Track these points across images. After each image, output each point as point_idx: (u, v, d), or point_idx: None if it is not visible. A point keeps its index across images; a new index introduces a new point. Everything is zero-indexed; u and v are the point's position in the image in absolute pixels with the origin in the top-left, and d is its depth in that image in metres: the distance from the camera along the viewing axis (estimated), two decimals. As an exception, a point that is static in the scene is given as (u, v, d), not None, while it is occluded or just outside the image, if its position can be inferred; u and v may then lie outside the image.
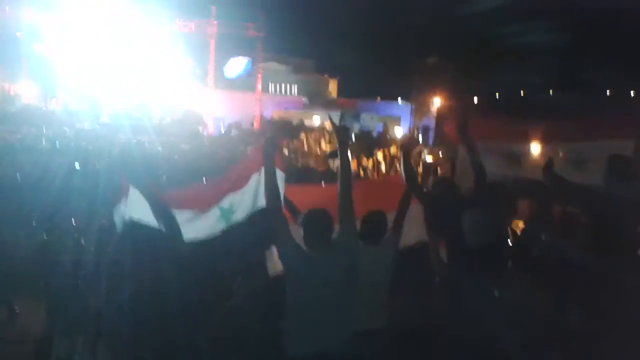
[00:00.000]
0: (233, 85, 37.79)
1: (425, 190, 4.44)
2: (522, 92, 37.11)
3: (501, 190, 4.39)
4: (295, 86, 44.55)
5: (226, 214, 4.26)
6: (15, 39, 30.04)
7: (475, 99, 39.76)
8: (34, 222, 6.98)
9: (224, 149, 19.20)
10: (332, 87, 47.15)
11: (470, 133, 4.19)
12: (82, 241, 5.43)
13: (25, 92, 31.66)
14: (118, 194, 4.18)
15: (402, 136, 20.97)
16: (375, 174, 20.12)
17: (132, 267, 4.07)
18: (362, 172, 19.47)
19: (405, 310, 4.26)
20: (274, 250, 3.83)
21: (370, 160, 22.59)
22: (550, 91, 36.66)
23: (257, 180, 4.19)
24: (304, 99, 42.59)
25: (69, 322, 4.24)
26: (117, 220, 4.21)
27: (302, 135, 29.10)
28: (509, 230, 4.62)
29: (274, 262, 4.19)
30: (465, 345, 3.54)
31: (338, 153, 3.76)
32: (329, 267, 3.45)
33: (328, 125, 30.32)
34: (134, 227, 4.10)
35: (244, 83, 37.23)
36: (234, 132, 29.04)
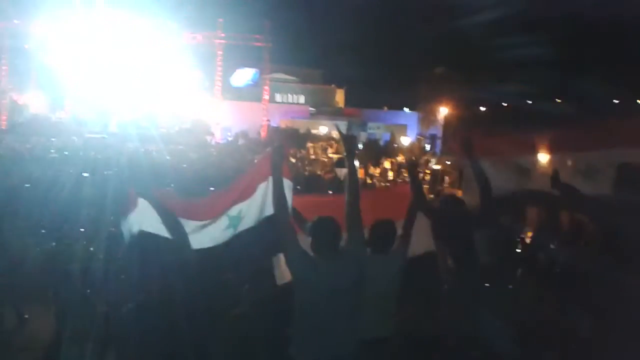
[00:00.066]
0: (240, 95, 37.98)
1: (432, 207, 4.43)
2: (528, 101, 37.04)
3: (509, 207, 4.38)
4: (302, 96, 44.68)
5: (234, 222, 4.28)
6: (24, 51, 30.36)
7: (482, 108, 39.76)
8: (43, 231, 7.02)
9: (231, 158, 19.27)
10: (339, 96, 47.26)
11: (475, 150, 4.21)
12: (91, 249, 5.45)
13: (34, 102, 31.97)
14: (126, 203, 4.21)
15: (408, 155, 20.84)
16: (383, 182, 20.13)
17: (140, 276, 4.09)
18: (369, 180, 19.49)
19: (413, 319, 4.25)
20: (282, 258, 3.84)
21: (378, 169, 22.60)
22: (557, 100, 36.60)
23: (265, 189, 4.21)
24: (311, 109, 42.71)
25: (77, 329, 4.25)
26: (126, 229, 4.23)
27: (309, 145, 29.19)
28: (518, 242, 4.60)
29: (282, 270, 4.20)
30: (472, 354, 3.53)
31: (345, 162, 3.78)
32: (336, 275, 3.45)
33: (335, 134, 30.44)
34: (142, 236, 4.12)
35: (251, 93, 37.39)
36: (241, 142, 29.14)
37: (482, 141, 4.58)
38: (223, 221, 4.27)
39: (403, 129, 39.49)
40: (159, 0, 29.85)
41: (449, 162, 22.69)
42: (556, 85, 36.82)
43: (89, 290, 4.67)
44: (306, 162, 22.70)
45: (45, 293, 5.24)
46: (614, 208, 3.69)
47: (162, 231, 4.06)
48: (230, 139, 31.89)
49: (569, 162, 4.88)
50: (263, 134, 32.95)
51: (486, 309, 3.68)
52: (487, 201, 3.98)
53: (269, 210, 4.09)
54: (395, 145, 33.27)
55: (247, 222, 4.28)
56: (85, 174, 10.05)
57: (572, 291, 3.60)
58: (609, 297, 3.26)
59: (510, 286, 3.97)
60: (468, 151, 4.19)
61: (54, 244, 5.92)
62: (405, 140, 34.91)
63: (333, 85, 46.91)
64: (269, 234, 4.02)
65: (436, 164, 23.39)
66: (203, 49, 33.53)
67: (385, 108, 44.22)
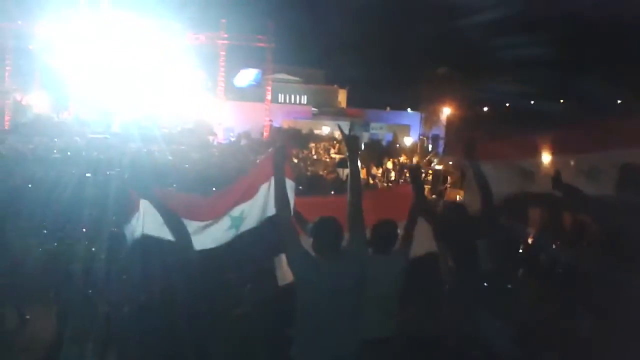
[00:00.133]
0: (243, 95, 38.04)
1: (434, 213, 4.41)
2: (531, 101, 36.99)
3: (511, 210, 4.36)
4: (305, 96, 44.70)
5: (236, 222, 4.28)
6: (27, 51, 30.45)
7: (485, 109, 39.70)
8: (45, 231, 7.03)
9: (233, 158, 19.29)
10: (342, 97, 47.28)
11: (477, 153, 4.21)
12: (93, 250, 5.46)
13: (37, 102, 32.06)
14: (128, 203, 4.21)
15: (411, 157, 20.80)
16: (385, 182, 20.12)
17: (143, 276, 4.09)
18: (371, 181, 19.49)
19: (415, 319, 4.24)
20: (284, 258, 3.84)
21: (380, 169, 22.61)
22: (559, 101, 36.54)
23: (267, 190, 4.21)
24: (313, 109, 42.74)
25: (79, 329, 4.25)
26: (128, 229, 4.24)
27: (311, 145, 29.21)
28: (520, 244, 4.58)
29: (283, 270, 4.20)
30: (473, 355, 3.52)
31: (348, 162, 3.78)
32: (338, 275, 3.45)
33: (337, 134, 30.46)
34: (144, 236, 4.13)
35: (254, 94, 37.47)
36: (243, 142, 29.19)
37: (485, 144, 4.58)
38: (225, 222, 4.27)
39: (406, 129, 39.50)
40: (162, 1, 29.91)
41: (451, 162, 22.67)
42: (559, 85, 36.79)
43: (91, 291, 4.66)
44: (308, 163, 22.72)
45: (47, 293, 5.24)
46: (616, 208, 3.68)
47: (164, 231, 4.06)
48: (232, 139, 31.96)
49: (572, 163, 4.85)
50: (265, 134, 33.00)
51: (487, 310, 3.68)
52: (488, 205, 3.98)
53: (271, 210, 4.08)
54: (398, 146, 33.28)
55: (249, 223, 4.29)
56: (88, 175, 10.08)
57: (574, 292, 3.59)
58: (612, 298, 3.25)
59: (512, 287, 3.96)
60: (470, 155, 4.19)
61: (56, 244, 5.93)
62: (408, 141, 34.92)
63: (335, 86, 46.94)
64: (271, 234, 4.02)
65: (438, 164, 23.38)
66: (206, 49, 33.61)
67: (388, 108, 44.23)
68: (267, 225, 4.19)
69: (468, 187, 4.74)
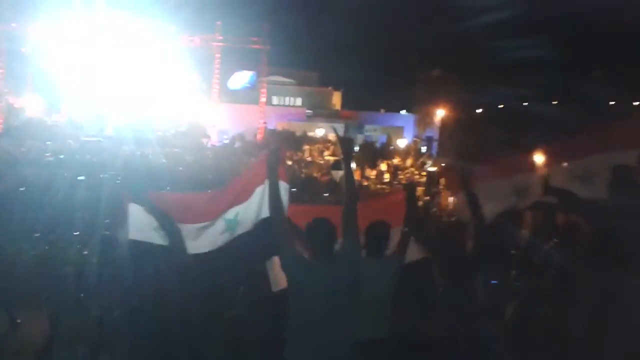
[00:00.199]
0: (237, 98, 37.96)
1: (428, 239, 4.44)
2: (523, 104, 37.15)
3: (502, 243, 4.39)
4: (299, 98, 44.70)
5: (230, 225, 4.26)
6: (20, 54, 30.31)
7: (478, 111, 39.83)
8: (37, 234, 7.00)
9: (227, 161, 19.27)
10: (336, 99, 47.27)
11: (471, 186, 4.28)
12: (85, 253, 5.43)
13: (30, 105, 31.89)
14: (121, 206, 4.19)
15: (408, 176, 20.72)
16: (379, 184, 20.14)
17: (135, 279, 4.07)
18: (365, 182, 19.49)
19: (408, 321, 4.24)
20: (277, 260, 3.83)
21: (374, 171, 22.62)
22: (552, 103, 36.72)
23: (262, 193, 4.20)
24: (308, 111, 42.73)
25: (70, 333, 4.23)
26: (121, 232, 4.22)
27: (306, 147, 29.20)
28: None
29: (277, 273, 4.19)
30: (465, 357, 3.52)
31: (342, 164, 3.78)
32: (331, 277, 3.44)
33: (331, 136, 30.47)
34: (138, 240, 4.11)
35: (248, 96, 37.39)
36: (237, 144, 29.14)
37: (479, 172, 4.61)
38: (219, 224, 4.25)
39: (400, 131, 39.53)
40: (157, 3, 29.84)
41: (444, 164, 22.71)
42: (552, 87, 36.95)
43: (82, 295, 4.64)
44: (303, 165, 22.70)
45: (39, 297, 5.21)
46: (609, 210, 3.69)
47: (158, 234, 4.04)
48: (226, 141, 31.88)
49: (568, 170, 4.84)
50: (260, 136, 32.96)
51: (480, 313, 3.69)
52: (481, 238, 4.05)
53: (266, 213, 4.08)
54: (392, 147, 33.32)
55: (244, 225, 4.27)
56: (81, 178, 10.04)
57: (570, 296, 3.59)
58: (603, 297, 3.26)
59: (504, 288, 3.97)
60: (465, 185, 4.26)
61: (47, 247, 5.90)
62: (402, 142, 34.97)
63: (330, 88, 46.92)
64: (266, 236, 4.01)
65: (432, 165, 23.43)
66: (200, 51, 33.54)
67: (382, 110, 44.27)
68: (262, 227, 4.17)
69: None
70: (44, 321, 4.78)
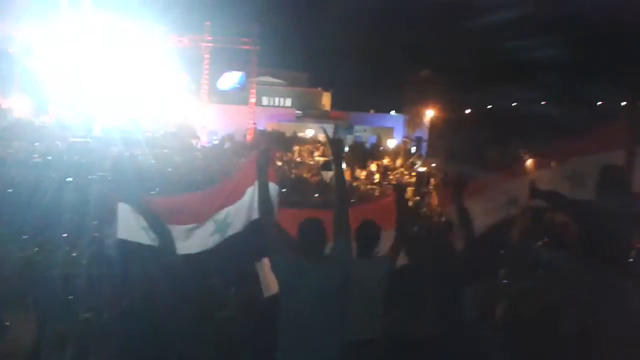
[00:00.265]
0: (227, 98, 37.89)
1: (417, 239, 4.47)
2: (513, 104, 37.38)
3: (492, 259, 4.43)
4: (289, 99, 44.68)
5: (220, 226, 4.25)
6: (7, 55, 30.04)
7: (467, 111, 40.02)
8: (25, 236, 6.93)
9: (217, 162, 19.23)
10: (326, 99, 47.32)
11: (463, 198, 4.32)
12: (74, 255, 5.40)
13: (18, 106, 31.61)
14: (110, 207, 4.17)
15: (398, 178, 20.78)
16: (369, 184, 20.18)
17: (125, 281, 4.05)
18: (355, 183, 19.52)
19: (399, 322, 4.25)
20: (268, 264, 3.83)
21: (364, 171, 22.67)
22: (540, 104, 36.96)
23: (252, 193, 4.19)
24: (297, 112, 42.72)
25: (59, 335, 4.20)
26: (110, 234, 4.20)
27: (296, 148, 29.22)
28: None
29: (268, 277, 4.20)
30: (456, 357, 3.54)
31: (332, 165, 3.78)
32: (322, 278, 3.44)
33: (321, 137, 30.49)
34: (127, 241, 4.09)
35: (238, 96, 37.34)
36: (227, 145, 29.10)
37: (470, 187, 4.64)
38: (209, 225, 4.24)
39: (389, 132, 39.65)
40: (146, 3, 29.72)
41: (434, 165, 22.83)
42: (541, 87, 37.18)
43: (71, 297, 4.61)
44: (293, 165, 22.71)
45: (27, 299, 5.17)
46: (596, 210, 3.72)
47: (148, 236, 4.02)
48: (216, 142, 31.84)
49: (558, 172, 4.85)
50: (249, 137, 32.93)
51: (470, 313, 3.72)
52: (470, 242, 4.08)
53: (256, 214, 4.07)
54: (382, 148, 33.42)
55: (235, 227, 4.26)
56: (69, 179, 9.97)
57: (554, 290, 3.62)
58: (590, 296, 3.29)
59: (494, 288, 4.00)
60: (457, 203, 4.30)
61: (36, 249, 5.84)
62: (392, 143, 35.07)
63: (320, 88, 46.96)
64: (256, 237, 4.00)
65: (422, 166, 23.53)
66: (190, 52, 33.48)
67: (372, 111, 44.36)
68: (252, 228, 4.17)
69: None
70: (32, 323, 4.75)
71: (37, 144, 20.96)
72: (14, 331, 5.94)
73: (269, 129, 37.26)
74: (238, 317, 3.92)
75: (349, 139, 35.80)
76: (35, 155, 17.46)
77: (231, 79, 39.27)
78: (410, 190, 18.96)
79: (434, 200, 15.06)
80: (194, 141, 30.41)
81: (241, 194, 4.25)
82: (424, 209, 14.05)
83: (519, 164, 5.23)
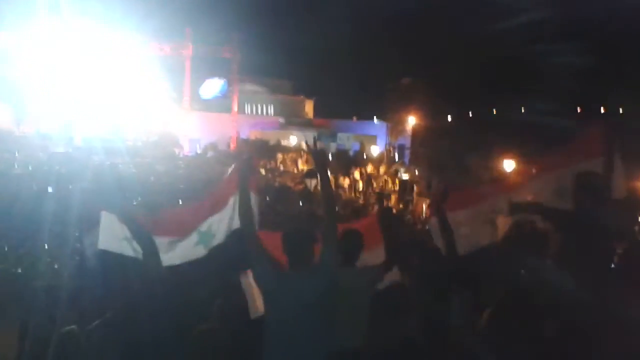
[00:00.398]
0: (209, 106, 37.73)
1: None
2: (493, 111, 37.77)
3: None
4: (272, 107, 44.65)
5: (204, 237, 4.24)
6: (-15, 63, 29.64)
7: (449, 119, 40.34)
8: (5, 248, 6.85)
9: (200, 170, 19.13)
10: (309, 107, 47.35)
11: (444, 211, 4.36)
12: (55, 266, 5.35)
13: (-3, 116, 31.18)
14: (92, 217, 4.14)
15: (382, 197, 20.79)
16: (353, 193, 20.21)
17: (106, 291, 4.02)
18: (340, 191, 19.55)
19: (384, 331, 4.26)
20: (254, 285, 3.83)
21: (347, 179, 22.70)
22: (521, 111, 37.39)
23: (234, 203, 4.19)
24: (281, 120, 42.71)
25: (40, 347, 4.15)
26: (91, 245, 4.16)
27: (279, 155, 29.18)
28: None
29: (255, 298, 4.20)
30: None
31: (318, 176, 3.79)
32: (306, 287, 3.44)
33: (305, 145, 30.36)
34: (108, 252, 4.06)
35: (220, 104, 37.18)
36: (210, 154, 28.96)
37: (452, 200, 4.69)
38: (193, 237, 4.23)
39: (372, 139, 39.77)
40: (126, 11, 29.54)
41: (417, 172, 22.95)
42: (522, 95, 37.61)
43: (53, 308, 4.56)
44: (276, 174, 22.67)
45: (8, 310, 5.10)
46: (574, 217, 3.78)
47: (129, 245, 4.00)
48: (199, 151, 31.67)
49: (544, 186, 4.89)
50: (232, 145, 32.81)
51: (457, 325, 3.75)
52: (452, 250, 4.13)
53: (237, 224, 4.07)
54: (365, 155, 33.52)
55: (218, 237, 4.25)
56: (50, 189, 9.86)
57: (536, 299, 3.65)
58: (572, 305, 3.33)
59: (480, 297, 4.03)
60: (438, 214, 4.34)
61: (16, 261, 5.78)
62: (375, 150, 35.20)
63: (302, 96, 46.99)
64: (239, 247, 4.00)
65: (405, 173, 23.64)
66: (171, 60, 33.30)
67: (355, 118, 44.50)
68: (234, 239, 4.17)
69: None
70: (13, 335, 4.69)
71: (17, 154, 20.68)
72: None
73: (252, 137, 37.17)
74: (221, 328, 3.90)
75: (332, 146, 35.86)
76: (16, 166, 17.23)
77: (213, 87, 39.11)
78: (393, 197, 19.05)
79: (418, 207, 15.15)
80: (176, 150, 30.21)
81: (224, 203, 4.25)
82: (408, 216, 14.12)
83: (502, 176, 5.29)
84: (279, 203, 11.80)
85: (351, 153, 34.90)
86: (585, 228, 3.75)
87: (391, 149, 36.83)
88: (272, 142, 35.49)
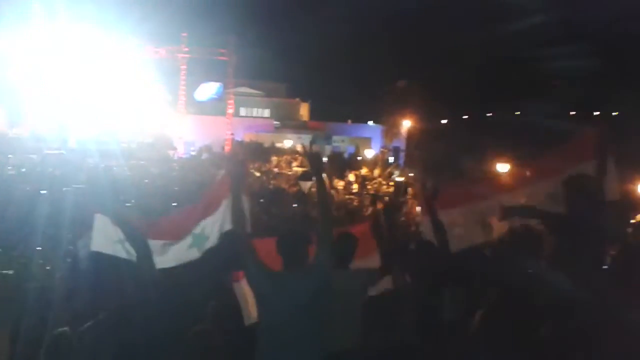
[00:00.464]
0: (204, 109, 37.76)
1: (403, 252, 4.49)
2: (487, 114, 37.91)
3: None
4: (267, 110, 44.71)
5: (198, 240, 4.24)
6: (-21, 65, 29.54)
7: (443, 121, 40.46)
8: (-1, 250, 6.82)
9: (194, 173, 19.12)
10: (304, 110, 47.45)
11: (436, 208, 4.37)
12: (48, 268, 5.33)
13: (-9, 118, 31.09)
14: (85, 220, 4.13)
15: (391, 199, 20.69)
16: (347, 195, 20.22)
17: (99, 293, 4.01)
18: (334, 193, 19.56)
19: (377, 332, 4.26)
20: (249, 293, 3.83)
21: (342, 181, 22.73)
22: (515, 114, 37.54)
23: (227, 206, 4.19)
24: (275, 122, 42.75)
25: (33, 349, 4.13)
26: (85, 247, 4.15)
27: (274, 158, 29.20)
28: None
29: (249, 306, 4.20)
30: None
31: (314, 179, 3.80)
32: (300, 289, 3.44)
33: (299, 147, 30.52)
34: (101, 254, 4.05)
35: (215, 107, 37.21)
36: (205, 156, 28.95)
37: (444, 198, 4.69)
38: (187, 239, 4.23)
39: (367, 142, 39.88)
40: (122, 14, 29.51)
41: (411, 174, 23.00)
42: (516, 98, 37.77)
43: (45, 310, 4.54)
44: (271, 176, 22.67)
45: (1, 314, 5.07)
46: (566, 220, 3.80)
47: (123, 247, 3.99)
48: (193, 153, 31.66)
49: (539, 192, 4.90)
50: (227, 148, 32.79)
51: (450, 326, 3.76)
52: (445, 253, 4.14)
53: (229, 225, 4.07)
54: (360, 158, 33.57)
55: (212, 239, 4.25)
56: (43, 191, 9.83)
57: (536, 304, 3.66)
58: (567, 305, 3.34)
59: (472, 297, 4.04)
60: (429, 212, 4.34)
61: (9, 263, 5.75)
62: (370, 153, 35.26)
63: (298, 99, 47.08)
64: (230, 249, 3.99)
65: (399, 175, 23.69)
66: (166, 63, 33.29)
67: (350, 121, 44.59)
68: (226, 240, 4.16)
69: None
70: (4, 337, 4.67)
71: (10, 156, 20.61)
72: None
73: (247, 139, 37.21)
74: (215, 329, 3.90)
75: (327, 149, 35.93)
76: (10, 168, 17.17)
77: (208, 89, 39.14)
78: (388, 199, 19.06)
79: (412, 209, 15.16)
80: (171, 152, 30.18)
81: (217, 206, 4.25)
82: (402, 219, 14.13)
83: (496, 176, 5.31)
84: (274, 205, 11.79)
85: (346, 155, 34.93)
86: (578, 230, 3.77)
87: (386, 151, 36.88)
88: (267, 144, 35.52)
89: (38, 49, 29.09)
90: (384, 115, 39.49)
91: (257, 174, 21.20)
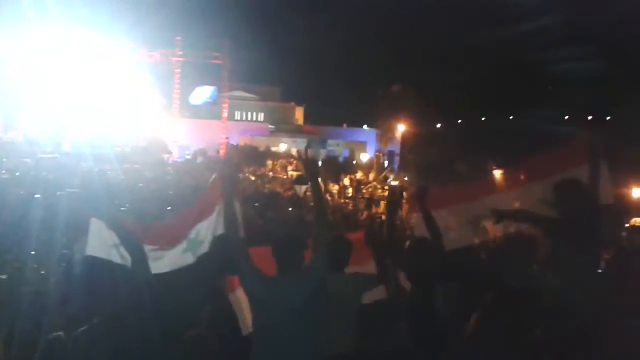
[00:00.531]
0: (199, 113, 37.76)
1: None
2: (482, 118, 38.06)
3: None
4: (262, 114, 44.73)
5: (192, 244, 4.24)
6: (-26, 69, 29.44)
7: (438, 125, 40.57)
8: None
9: (189, 177, 19.09)
10: (299, 114, 47.52)
11: (428, 205, 4.38)
12: (42, 272, 5.30)
13: (-16, 122, 30.98)
14: (79, 224, 4.13)
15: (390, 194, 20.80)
16: (342, 199, 20.24)
17: (93, 297, 4.00)
18: (329, 197, 19.58)
19: (371, 336, 4.26)
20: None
21: (337, 186, 22.75)
22: (508, 118, 37.69)
23: (220, 211, 4.19)
24: (270, 126, 42.77)
25: (27, 354, 4.11)
26: (79, 252, 4.14)
27: (269, 162, 29.21)
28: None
29: (238, 299, 4.19)
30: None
31: (310, 184, 3.80)
32: (294, 292, 3.44)
33: (294, 151, 30.54)
34: (96, 258, 4.04)
35: (210, 111, 37.23)
36: (199, 160, 28.93)
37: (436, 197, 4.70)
38: (182, 245, 4.23)
39: (362, 146, 39.97)
40: (116, 18, 29.50)
41: (406, 178, 23.06)
42: (510, 102, 37.92)
43: (40, 314, 4.52)
44: (266, 180, 22.67)
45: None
46: (558, 223, 3.82)
47: (117, 252, 3.98)
48: (188, 157, 31.63)
49: (531, 195, 4.91)
50: (222, 151, 32.78)
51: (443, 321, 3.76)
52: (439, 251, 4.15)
53: (222, 229, 4.07)
54: (355, 162, 33.64)
55: (206, 244, 4.25)
56: (37, 195, 9.78)
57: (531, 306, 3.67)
58: (559, 308, 3.35)
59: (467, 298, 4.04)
60: (422, 204, 4.34)
61: (2, 267, 5.72)
62: (364, 157, 35.34)
63: (292, 103, 47.16)
64: (224, 253, 3.99)
65: (394, 179, 23.75)
66: (161, 66, 33.29)
67: (345, 125, 44.67)
68: (219, 244, 4.17)
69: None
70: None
71: (4, 160, 20.53)
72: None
73: (242, 143, 37.20)
74: (209, 334, 3.89)
75: (322, 153, 35.97)
76: (3, 172, 17.10)
77: (203, 93, 39.17)
78: (382, 204, 19.09)
79: (407, 212, 15.17)
80: (165, 156, 30.15)
81: (211, 210, 4.25)
82: (397, 222, 14.13)
83: (489, 178, 5.31)
84: (269, 209, 11.78)
85: (341, 159, 34.98)
86: (572, 234, 3.78)
87: (381, 155, 36.96)
88: (262, 148, 35.53)
89: (32, 52, 29.03)
90: (379, 119, 39.61)
91: (252, 178, 21.20)
